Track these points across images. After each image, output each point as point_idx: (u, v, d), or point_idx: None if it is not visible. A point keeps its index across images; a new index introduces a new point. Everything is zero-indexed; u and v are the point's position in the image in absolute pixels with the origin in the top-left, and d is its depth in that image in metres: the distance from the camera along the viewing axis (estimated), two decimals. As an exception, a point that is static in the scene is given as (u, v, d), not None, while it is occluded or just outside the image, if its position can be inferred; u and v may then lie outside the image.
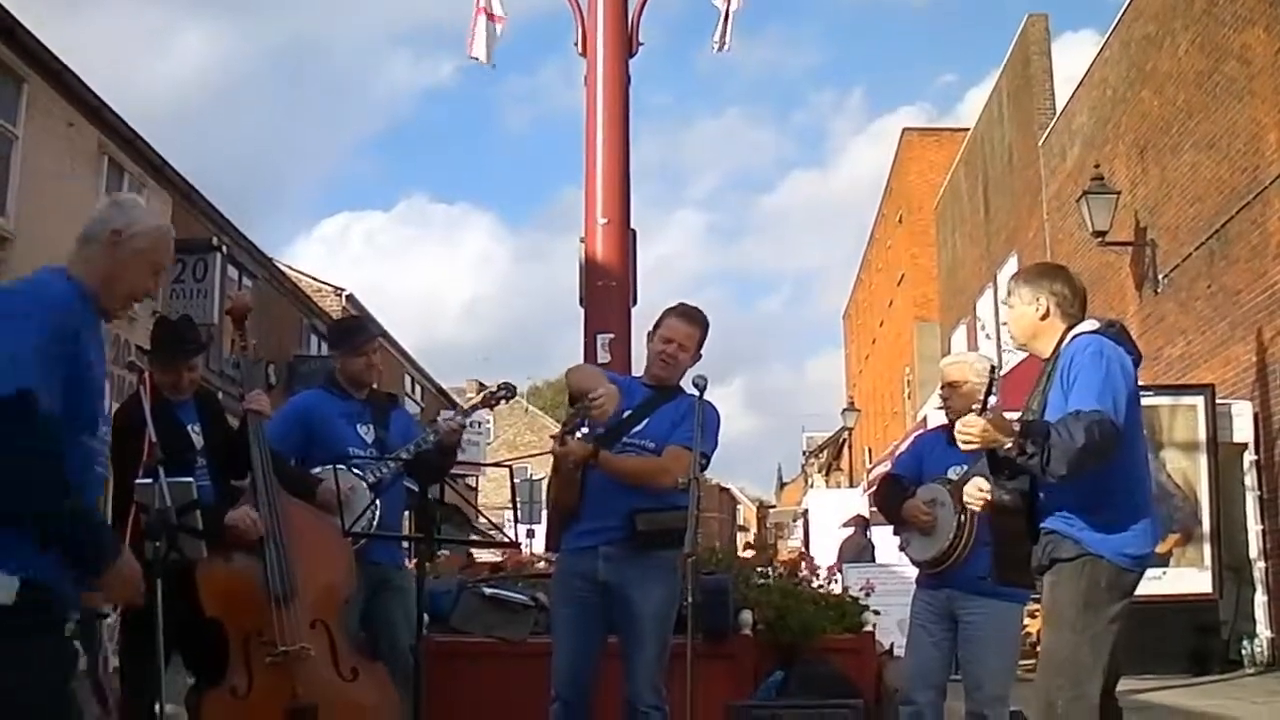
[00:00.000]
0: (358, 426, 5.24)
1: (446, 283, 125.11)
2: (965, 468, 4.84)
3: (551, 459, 4.84)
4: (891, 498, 5.16)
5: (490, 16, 8.13)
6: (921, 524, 4.91)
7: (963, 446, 3.84)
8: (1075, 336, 3.88)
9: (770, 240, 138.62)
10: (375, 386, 5.51)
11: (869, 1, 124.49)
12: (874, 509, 5.42)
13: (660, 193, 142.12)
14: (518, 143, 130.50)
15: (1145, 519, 3.81)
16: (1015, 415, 3.94)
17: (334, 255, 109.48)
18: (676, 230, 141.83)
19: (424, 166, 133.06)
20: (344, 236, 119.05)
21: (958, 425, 3.82)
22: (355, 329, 5.52)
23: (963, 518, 4.76)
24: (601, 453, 4.57)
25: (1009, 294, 4.14)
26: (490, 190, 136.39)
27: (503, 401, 5.57)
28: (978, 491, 4.09)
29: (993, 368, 4.04)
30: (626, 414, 4.71)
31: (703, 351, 4.92)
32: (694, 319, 4.90)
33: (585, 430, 4.64)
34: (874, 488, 5.50)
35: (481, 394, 5.49)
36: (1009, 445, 3.68)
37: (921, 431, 5.50)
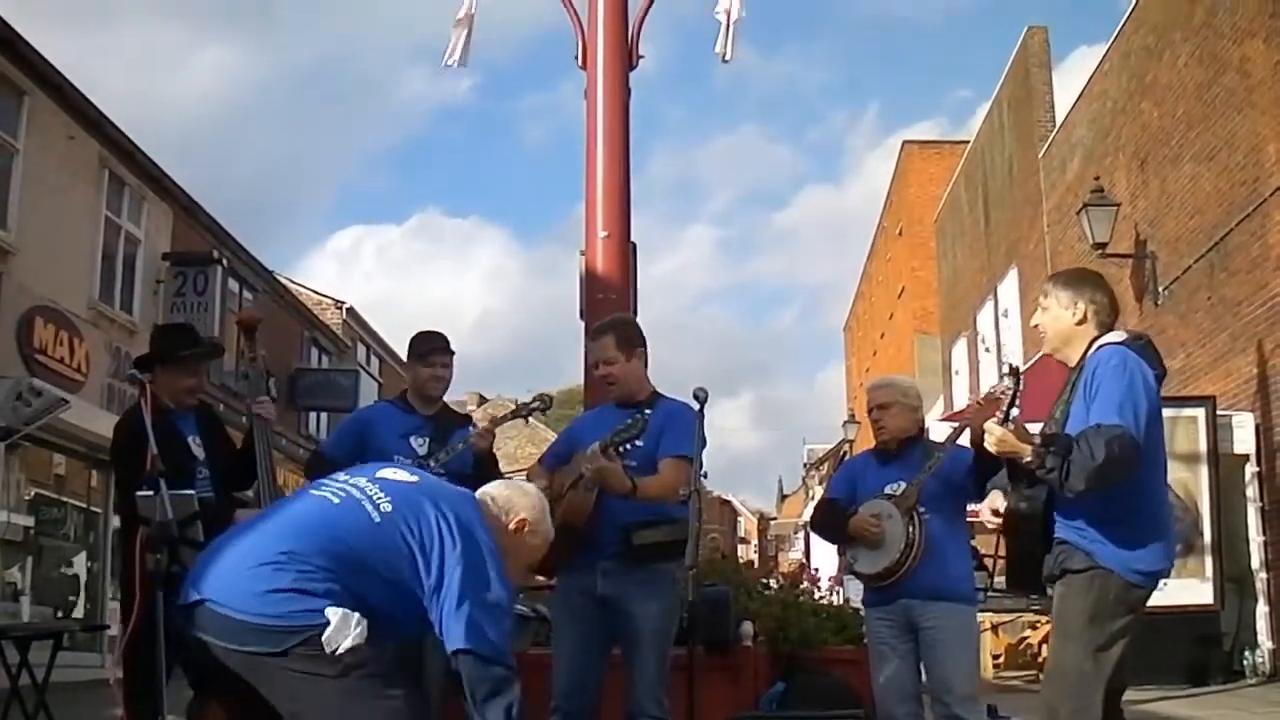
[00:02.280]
0: (412, 439, 5.17)
1: (458, 297, 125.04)
2: (902, 484, 4.89)
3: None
4: (832, 518, 5.18)
5: (463, 22, 8.07)
6: (870, 537, 4.90)
7: (989, 448, 3.87)
8: (1100, 347, 3.87)
9: (783, 255, 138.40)
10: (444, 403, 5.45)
11: (884, 19, 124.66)
12: (815, 532, 5.44)
13: (674, 208, 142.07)
14: (533, 158, 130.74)
15: (1161, 535, 3.80)
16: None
17: (346, 268, 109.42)
18: (688, 245, 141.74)
19: (438, 182, 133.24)
20: (356, 250, 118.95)
21: (986, 427, 3.86)
22: (427, 338, 5.44)
23: (911, 529, 4.79)
24: (639, 484, 4.49)
25: (1044, 295, 4.10)
26: (504, 205, 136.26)
27: (538, 412, 5.52)
28: (992, 514, 4.10)
29: (1016, 376, 4.02)
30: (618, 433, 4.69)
31: (643, 348, 4.87)
32: (599, 330, 4.95)
33: (632, 447, 4.57)
34: (813, 512, 5.53)
35: (517, 405, 5.46)
36: (1029, 458, 3.70)
37: (850, 455, 5.59)
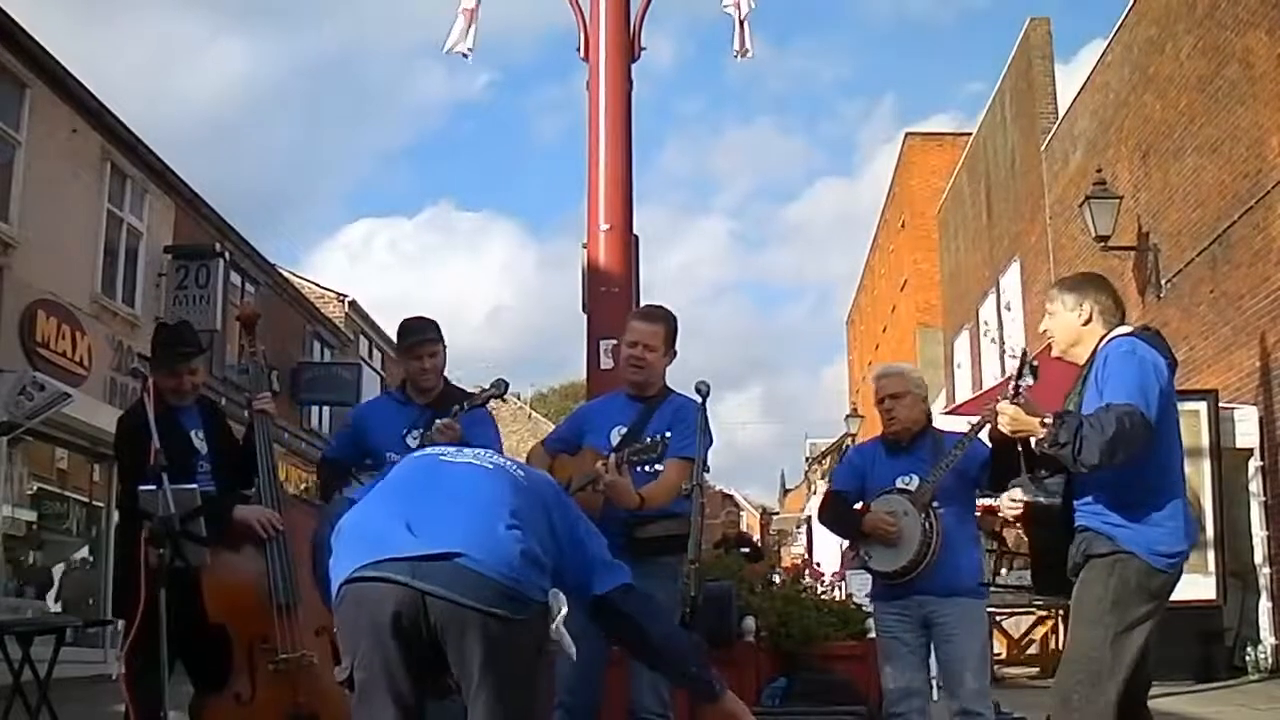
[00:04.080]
0: (407, 436, 5.00)
1: (470, 290, 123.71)
2: (913, 477, 4.87)
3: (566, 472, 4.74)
4: (845, 514, 5.15)
5: (467, 14, 8.03)
6: (888, 537, 4.88)
7: (1002, 429, 3.92)
8: (1110, 339, 3.94)
9: (796, 248, 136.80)
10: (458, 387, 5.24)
11: (899, 14, 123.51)
12: (825, 527, 5.43)
13: (687, 201, 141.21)
14: (547, 151, 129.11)
15: (1179, 518, 3.87)
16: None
17: (357, 262, 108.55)
18: (700, 238, 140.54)
19: (452, 176, 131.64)
20: (368, 243, 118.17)
21: (999, 407, 3.91)
22: (407, 331, 5.26)
23: (928, 526, 4.78)
24: (645, 496, 4.45)
25: (1050, 300, 4.19)
26: (517, 199, 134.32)
27: (496, 399, 5.23)
28: (1011, 503, 4.10)
29: (1024, 352, 4.09)
30: (624, 432, 4.69)
31: (676, 348, 4.84)
32: (654, 316, 4.87)
33: (649, 469, 4.49)
34: (820, 506, 5.48)
35: (477, 394, 5.11)
36: (1042, 434, 3.74)
37: (855, 445, 5.61)
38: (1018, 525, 4.70)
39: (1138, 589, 3.74)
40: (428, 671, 2.93)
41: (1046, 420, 3.75)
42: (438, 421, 4.87)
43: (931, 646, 4.93)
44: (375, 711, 2.88)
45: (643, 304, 7.24)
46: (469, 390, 5.18)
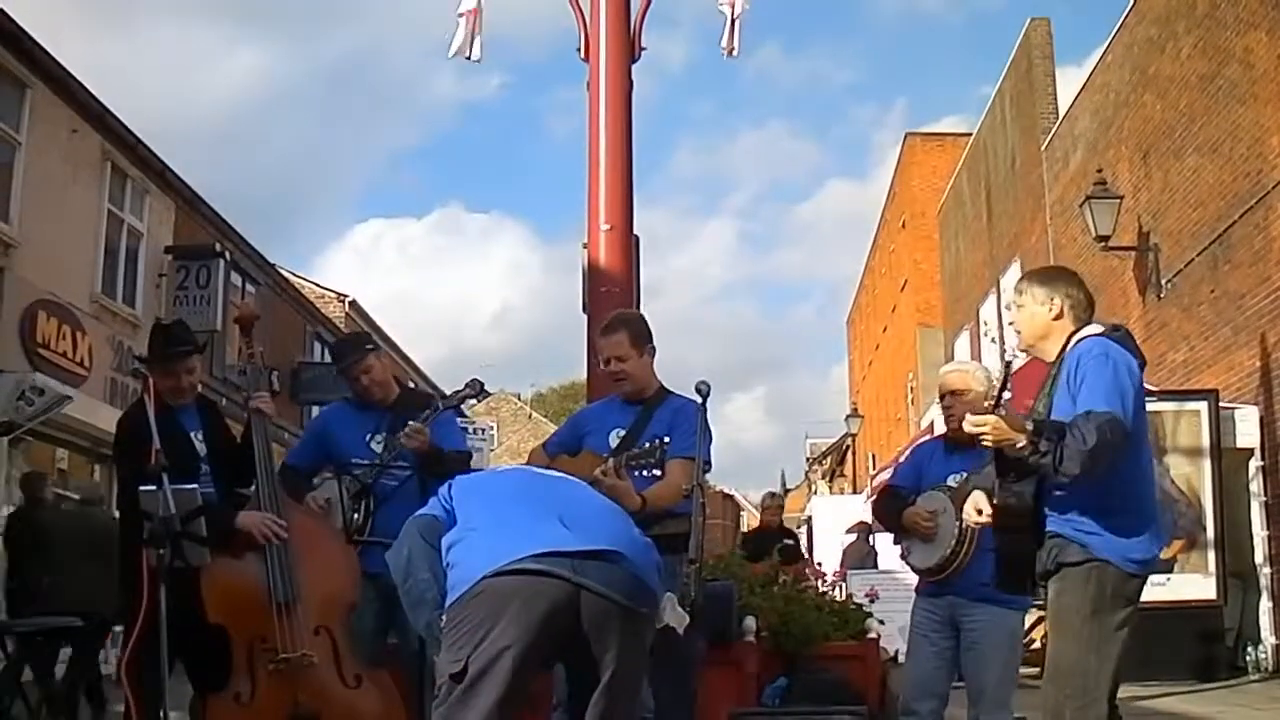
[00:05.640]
0: (370, 437, 5.11)
1: (477, 291, 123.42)
2: (966, 475, 4.83)
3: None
4: (891, 507, 5.12)
5: (468, 16, 8.00)
6: (923, 531, 4.86)
7: (982, 441, 3.80)
8: (1080, 339, 3.85)
9: (806, 249, 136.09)
10: (408, 390, 5.28)
11: (911, 18, 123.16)
12: (875, 519, 5.44)
13: (699, 203, 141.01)
14: (557, 153, 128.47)
15: (1151, 523, 3.78)
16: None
17: (365, 262, 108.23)
18: (710, 239, 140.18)
19: (461, 178, 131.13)
20: (376, 244, 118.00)
21: (969, 420, 3.79)
22: (342, 352, 5.38)
23: (963, 524, 4.70)
24: (648, 497, 4.45)
25: (1019, 293, 4.08)
26: (526, 200, 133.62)
27: (472, 400, 5.24)
28: (976, 513, 4.07)
29: (1007, 363, 3.99)
30: (622, 434, 4.69)
31: (653, 344, 4.85)
32: (612, 326, 4.88)
33: (647, 473, 4.49)
34: (874, 497, 5.48)
35: (451, 394, 5.13)
36: (1022, 443, 3.65)
37: (921, 441, 5.53)
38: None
39: (1114, 596, 3.67)
40: (542, 670, 3.26)
41: (1027, 429, 3.64)
42: (409, 425, 4.89)
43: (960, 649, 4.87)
44: (486, 703, 2.98)
45: (643, 305, 7.28)
46: (428, 392, 5.16)
